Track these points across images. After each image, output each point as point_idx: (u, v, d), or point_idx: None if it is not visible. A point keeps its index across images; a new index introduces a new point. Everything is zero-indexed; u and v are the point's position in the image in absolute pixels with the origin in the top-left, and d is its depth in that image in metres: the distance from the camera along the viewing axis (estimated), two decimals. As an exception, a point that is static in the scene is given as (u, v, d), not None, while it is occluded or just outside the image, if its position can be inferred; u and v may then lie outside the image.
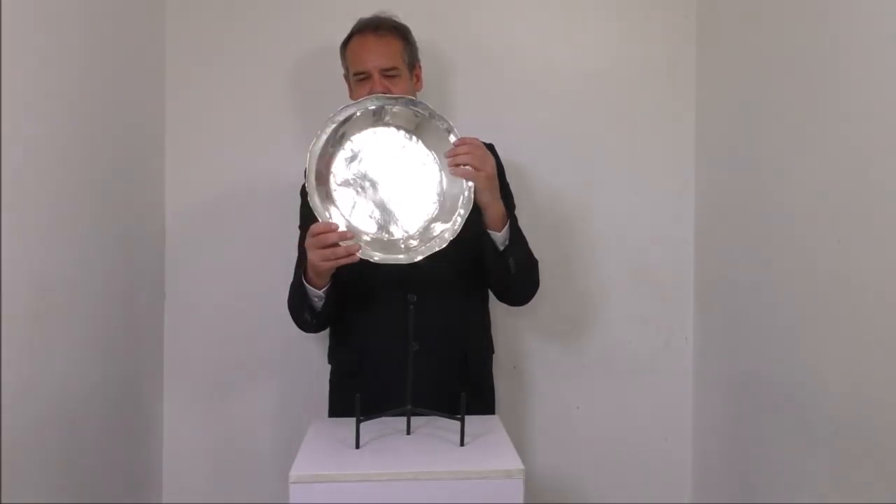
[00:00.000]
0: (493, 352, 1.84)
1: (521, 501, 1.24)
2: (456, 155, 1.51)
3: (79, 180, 1.58)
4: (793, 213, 1.61)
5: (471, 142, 1.52)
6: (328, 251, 1.46)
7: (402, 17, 1.77)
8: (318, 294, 1.59)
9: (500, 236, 1.57)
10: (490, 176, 1.53)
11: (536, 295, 1.80)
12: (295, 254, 1.75)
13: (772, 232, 1.70)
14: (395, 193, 1.54)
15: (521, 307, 1.83)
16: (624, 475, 2.13)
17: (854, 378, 1.40)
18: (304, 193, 1.79)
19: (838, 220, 1.45)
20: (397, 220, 1.54)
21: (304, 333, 1.77)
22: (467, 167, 1.50)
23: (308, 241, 1.49)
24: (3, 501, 1.29)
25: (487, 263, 1.61)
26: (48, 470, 1.46)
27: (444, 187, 1.54)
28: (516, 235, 1.61)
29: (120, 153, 1.79)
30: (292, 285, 1.67)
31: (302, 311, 1.63)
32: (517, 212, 1.77)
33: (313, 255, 1.49)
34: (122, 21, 1.80)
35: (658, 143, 2.12)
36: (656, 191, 2.12)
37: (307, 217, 1.77)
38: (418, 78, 1.78)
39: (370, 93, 1.65)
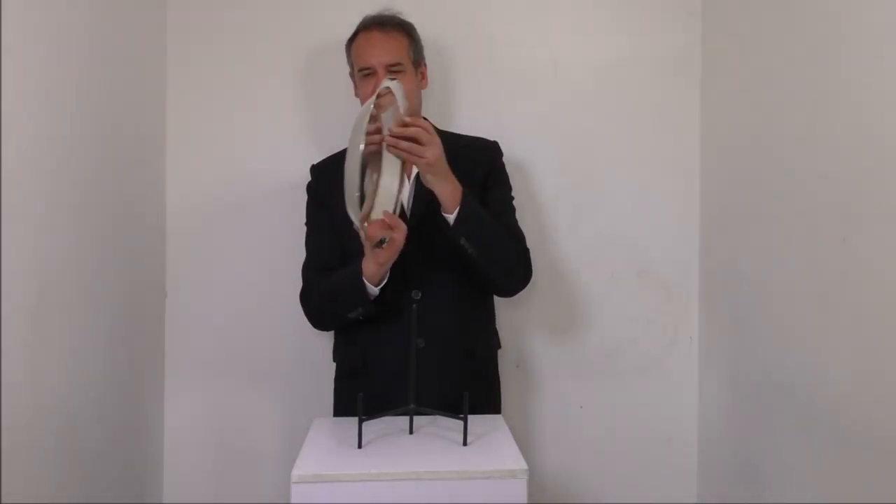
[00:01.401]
0: (499, 347, 1.84)
1: (525, 501, 1.24)
2: (399, 137, 1.46)
3: (79, 178, 1.57)
4: (799, 212, 1.60)
5: (420, 125, 1.48)
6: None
7: (406, 15, 1.76)
8: (373, 291, 1.57)
9: (451, 217, 1.54)
10: (431, 162, 1.49)
11: (540, 294, 1.79)
12: (299, 251, 1.75)
13: (777, 230, 1.69)
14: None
15: (523, 305, 1.82)
16: (628, 475, 2.11)
17: (861, 377, 1.39)
18: (310, 191, 1.79)
19: (844, 218, 1.43)
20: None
21: (308, 331, 1.77)
22: (405, 152, 1.47)
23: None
24: (3, 501, 1.28)
25: (458, 252, 1.59)
26: (48, 470, 1.45)
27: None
28: (470, 210, 1.55)
29: (120, 150, 1.78)
30: (337, 286, 1.63)
31: (352, 308, 1.60)
32: (516, 204, 1.77)
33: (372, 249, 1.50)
34: (122, 17, 1.79)
35: (663, 141, 2.10)
36: (661, 189, 2.10)
37: (314, 215, 1.77)
38: (423, 76, 1.78)
39: (374, 89, 1.64)
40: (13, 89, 1.30)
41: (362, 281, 1.55)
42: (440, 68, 2.00)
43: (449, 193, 1.53)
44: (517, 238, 1.70)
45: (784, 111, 1.66)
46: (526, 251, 1.70)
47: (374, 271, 1.54)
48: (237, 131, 2.05)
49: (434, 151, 1.49)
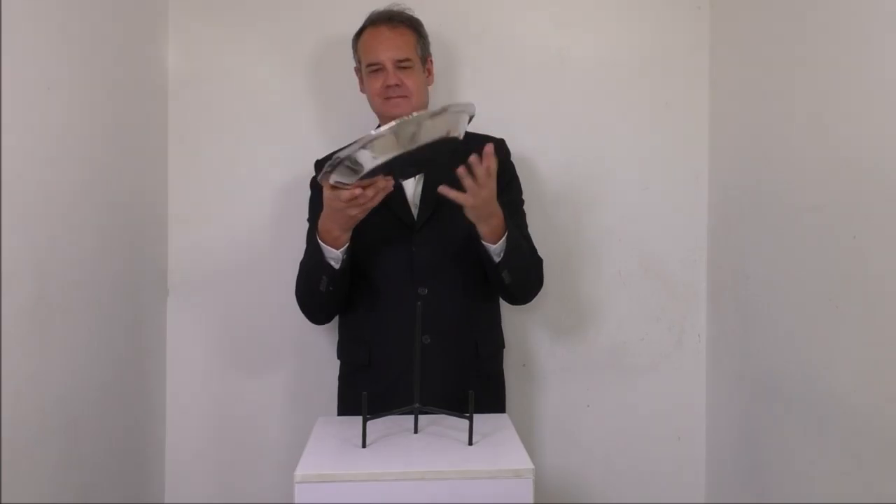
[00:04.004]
0: (503, 346, 1.83)
1: (531, 501, 1.22)
2: (467, 173, 1.42)
3: (81, 176, 1.57)
4: (808, 208, 1.58)
5: (487, 169, 1.45)
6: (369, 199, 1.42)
7: (411, 10, 1.75)
8: (335, 255, 1.54)
9: (495, 248, 1.55)
10: (475, 206, 1.45)
11: (546, 292, 1.78)
12: (302, 247, 1.73)
13: (786, 227, 1.67)
14: None
15: (529, 304, 1.81)
16: (636, 475, 2.10)
17: (868, 375, 1.38)
18: (314, 186, 1.77)
19: (853, 215, 1.42)
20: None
21: (312, 328, 1.76)
22: (461, 192, 1.43)
23: (347, 205, 1.42)
24: (3, 501, 1.27)
25: (486, 270, 1.60)
26: (48, 469, 1.45)
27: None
28: (513, 244, 1.56)
29: (122, 147, 1.77)
30: (305, 259, 1.63)
31: (319, 281, 1.57)
32: (525, 206, 1.76)
33: (356, 211, 1.43)
34: (123, 14, 1.78)
35: (671, 137, 2.08)
36: (669, 185, 2.08)
37: (317, 210, 1.75)
38: (430, 72, 1.78)
39: (384, 84, 1.65)
40: (14, 84, 1.29)
41: (321, 249, 1.54)
42: (446, 64, 1.98)
43: (492, 228, 1.52)
44: (535, 251, 1.70)
45: (793, 106, 1.65)
46: (541, 262, 1.71)
47: (327, 239, 1.52)
48: (241, 126, 2.04)
49: (483, 196, 1.44)
